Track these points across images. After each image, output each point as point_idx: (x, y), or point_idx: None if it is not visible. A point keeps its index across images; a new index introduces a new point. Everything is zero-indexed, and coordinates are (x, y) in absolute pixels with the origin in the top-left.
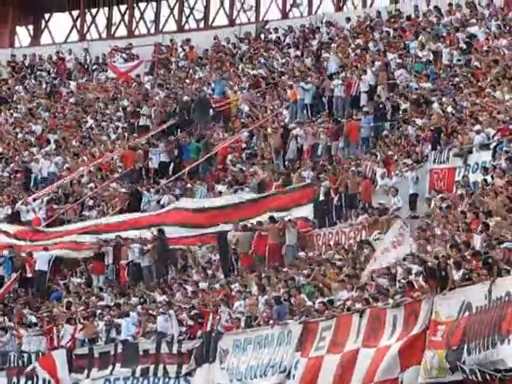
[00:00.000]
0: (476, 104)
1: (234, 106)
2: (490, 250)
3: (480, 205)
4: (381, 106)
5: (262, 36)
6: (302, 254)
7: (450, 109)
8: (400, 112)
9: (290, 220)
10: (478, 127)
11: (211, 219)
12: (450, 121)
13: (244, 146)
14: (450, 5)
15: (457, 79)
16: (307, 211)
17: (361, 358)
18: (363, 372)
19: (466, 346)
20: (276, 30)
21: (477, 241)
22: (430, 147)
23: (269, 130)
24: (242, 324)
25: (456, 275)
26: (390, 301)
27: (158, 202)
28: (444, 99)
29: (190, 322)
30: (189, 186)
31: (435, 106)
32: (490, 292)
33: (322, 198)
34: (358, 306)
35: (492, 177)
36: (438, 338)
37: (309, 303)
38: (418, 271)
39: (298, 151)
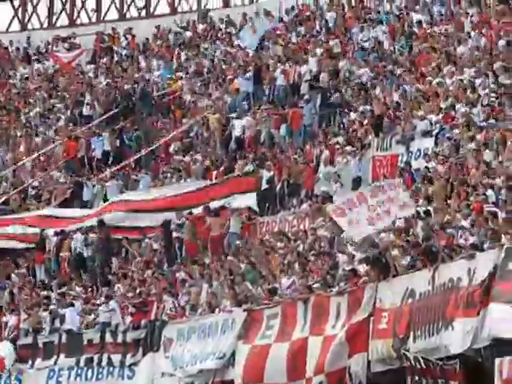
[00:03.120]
0: (419, 91)
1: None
2: (430, 237)
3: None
4: (328, 93)
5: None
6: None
7: (392, 95)
8: (342, 99)
9: (235, 209)
10: (421, 113)
11: (156, 207)
12: (391, 108)
13: (186, 134)
14: None
15: (392, 66)
16: (251, 200)
17: (311, 347)
18: (315, 362)
19: (412, 334)
20: (222, 20)
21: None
22: (372, 134)
23: (211, 118)
24: (187, 313)
25: (403, 260)
26: (334, 289)
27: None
28: (386, 86)
29: (133, 310)
30: (132, 176)
31: (376, 92)
32: (434, 278)
33: (265, 186)
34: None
35: (434, 163)
36: (384, 326)
37: (253, 291)
38: (361, 258)
39: (239, 140)
